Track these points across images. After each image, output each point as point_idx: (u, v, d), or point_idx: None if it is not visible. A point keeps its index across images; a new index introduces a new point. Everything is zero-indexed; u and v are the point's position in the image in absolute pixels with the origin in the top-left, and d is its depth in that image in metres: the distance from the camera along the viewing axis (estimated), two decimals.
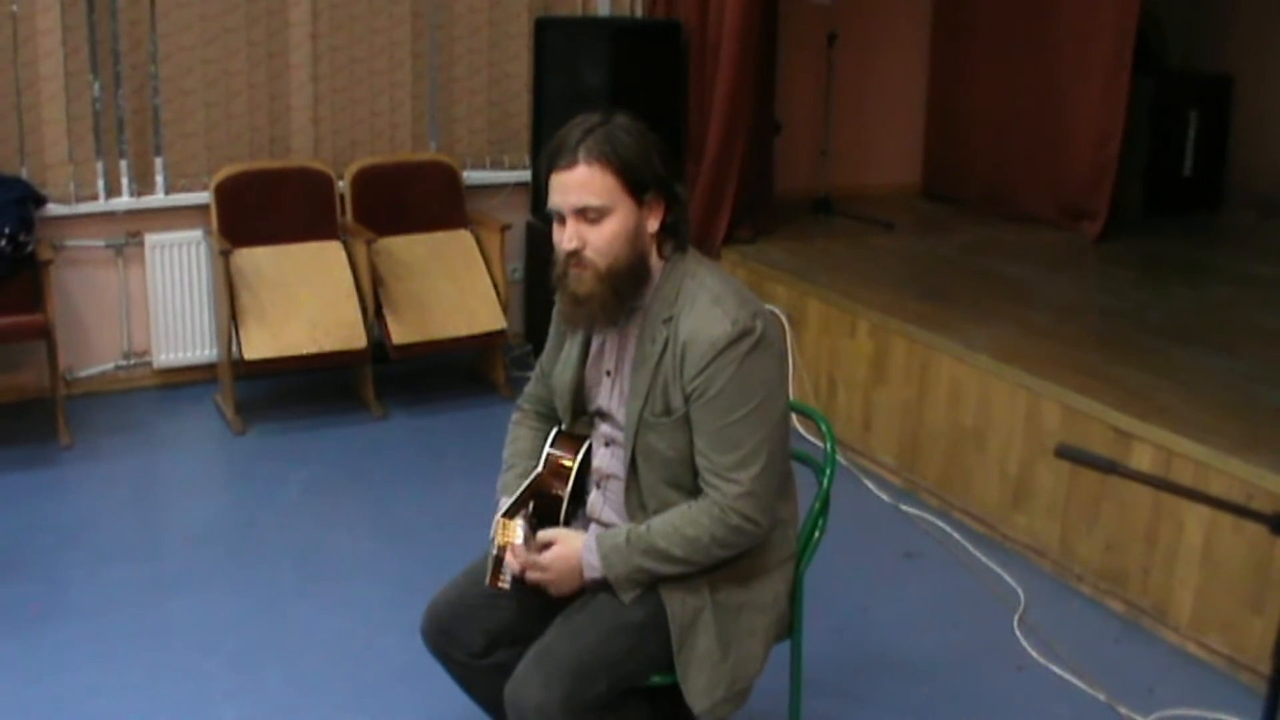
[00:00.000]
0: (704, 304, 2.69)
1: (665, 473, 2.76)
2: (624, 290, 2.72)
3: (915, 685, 3.94)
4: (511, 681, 2.69)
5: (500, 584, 2.84)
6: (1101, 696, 3.86)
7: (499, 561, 2.83)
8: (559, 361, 2.97)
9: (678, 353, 2.68)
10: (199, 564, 4.61)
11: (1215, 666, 4.03)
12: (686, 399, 2.69)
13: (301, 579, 4.50)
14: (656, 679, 2.83)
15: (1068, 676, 3.97)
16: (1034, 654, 4.10)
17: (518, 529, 2.82)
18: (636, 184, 2.68)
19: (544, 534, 2.83)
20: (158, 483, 5.42)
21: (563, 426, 3.01)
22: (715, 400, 2.66)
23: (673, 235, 2.78)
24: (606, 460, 2.90)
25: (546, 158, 2.71)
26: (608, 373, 2.87)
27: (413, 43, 6.47)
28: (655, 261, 2.77)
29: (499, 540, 2.83)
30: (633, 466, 2.79)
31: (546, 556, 2.79)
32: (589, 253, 2.67)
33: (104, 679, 3.85)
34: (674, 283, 2.74)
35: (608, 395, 2.87)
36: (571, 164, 2.66)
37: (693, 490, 2.75)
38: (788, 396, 2.81)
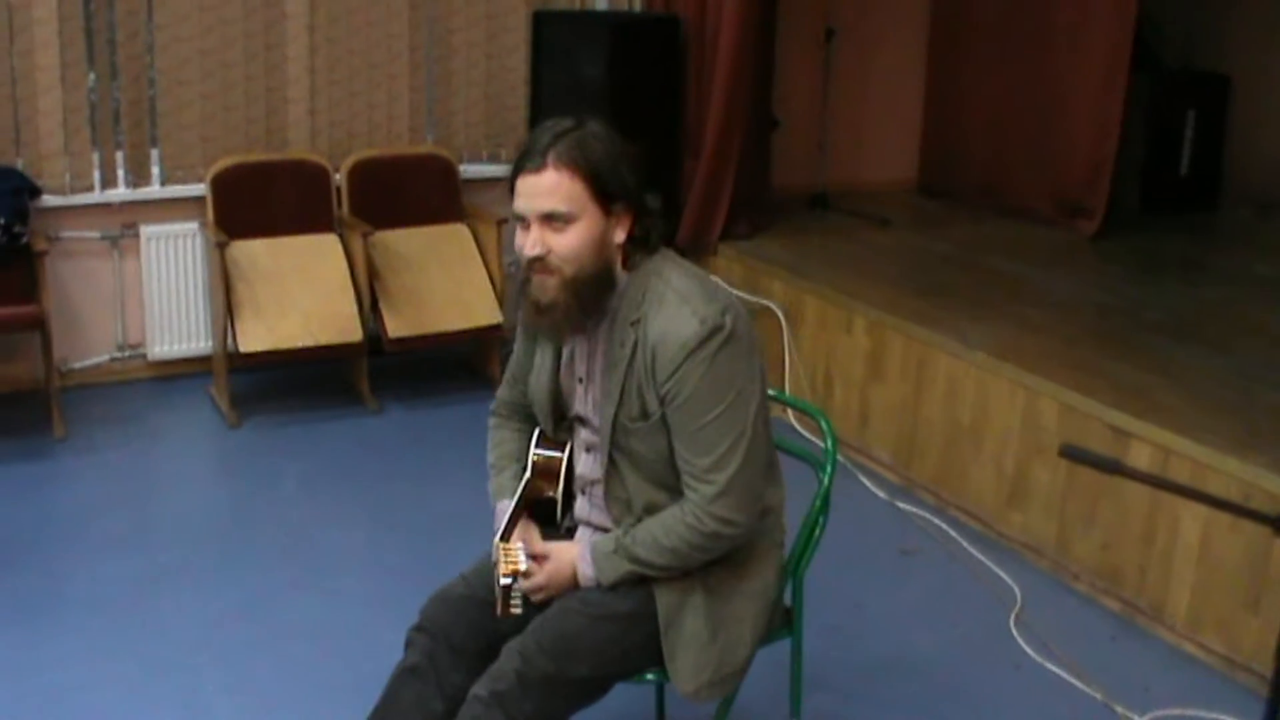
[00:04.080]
0: (672, 304, 2.65)
1: (648, 473, 2.75)
2: (587, 299, 2.67)
3: (911, 682, 3.94)
4: (497, 660, 2.69)
5: (512, 611, 2.78)
6: (1098, 695, 3.86)
7: (507, 591, 2.78)
8: (534, 369, 2.93)
9: (648, 355, 2.65)
10: (193, 557, 4.60)
11: (1211, 666, 4.03)
12: (661, 401, 2.66)
13: (295, 573, 4.49)
14: (650, 676, 2.83)
15: (1064, 675, 3.97)
16: (1030, 652, 4.10)
17: (519, 553, 2.81)
18: (605, 193, 2.63)
19: (538, 547, 2.83)
20: (152, 475, 5.41)
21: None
22: (688, 402, 2.63)
23: (641, 246, 2.73)
24: (589, 466, 2.88)
25: (515, 160, 2.66)
26: (580, 380, 2.84)
27: (410, 35, 6.45)
28: (621, 271, 2.73)
29: (504, 569, 2.78)
30: (612, 469, 2.77)
31: (541, 577, 2.80)
32: (553, 259, 2.62)
33: (97, 672, 3.84)
34: (639, 284, 2.70)
35: (583, 401, 2.84)
36: (540, 168, 2.61)
37: (678, 489, 2.73)
38: (763, 388, 2.76)
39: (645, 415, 2.69)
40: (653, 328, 2.65)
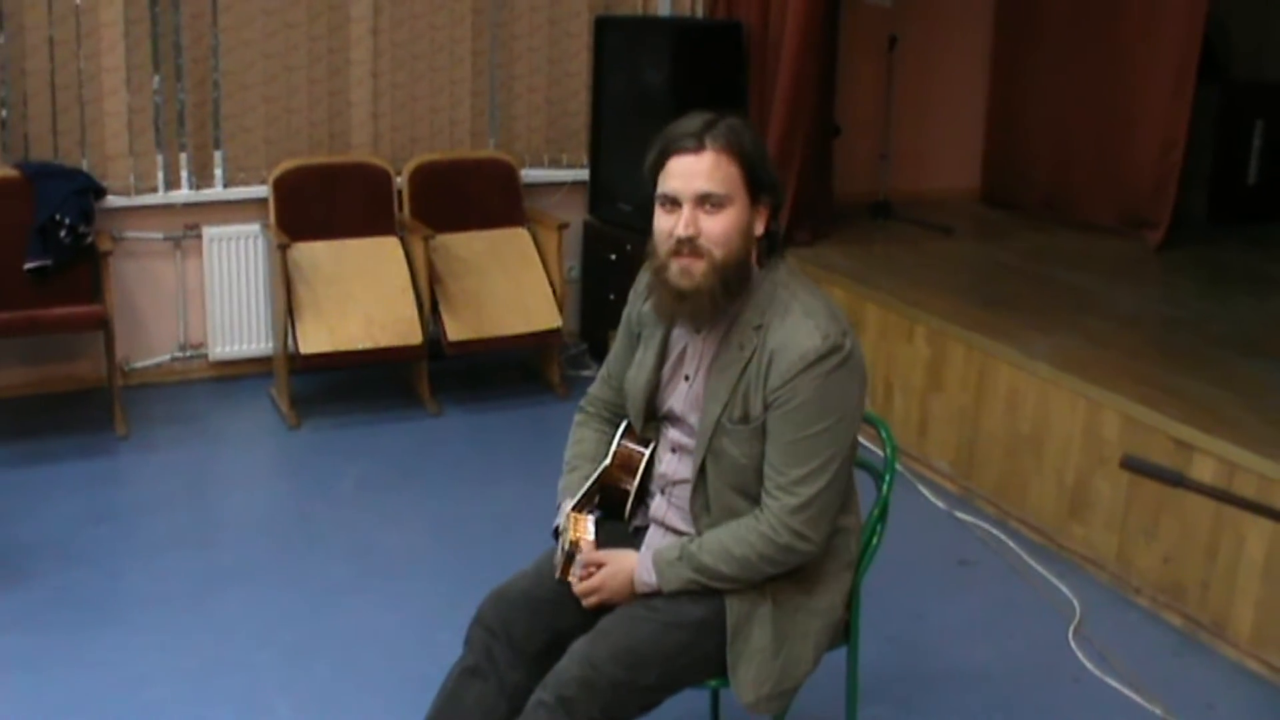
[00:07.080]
0: (796, 315, 2.67)
1: (734, 479, 2.74)
2: (731, 285, 2.68)
3: (969, 694, 3.90)
4: (561, 661, 2.68)
5: (571, 577, 2.83)
6: (1158, 711, 3.81)
7: (570, 556, 2.82)
8: (633, 365, 2.94)
9: (764, 361, 2.67)
10: (253, 556, 4.63)
11: (1276, 684, 3.97)
12: (766, 407, 2.67)
13: (355, 574, 4.51)
14: (713, 683, 2.82)
15: (1124, 690, 3.92)
16: (1089, 666, 4.05)
17: (588, 524, 2.84)
18: (756, 182, 2.68)
19: (594, 555, 2.82)
20: (212, 474, 5.45)
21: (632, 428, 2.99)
22: (795, 412, 2.64)
23: (770, 243, 2.76)
24: (674, 466, 2.88)
25: (663, 142, 2.68)
26: (686, 377, 2.84)
27: (473, 40, 6.48)
28: (755, 267, 2.75)
29: (571, 535, 2.82)
30: (701, 470, 2.77)
31: (596, 580, 2.80)
32: (703, 241, 2.64)
33: (157, 668, 3.87)
34: (768, 291, 2.72)
35: (682, 399, 2.84)
36: (698, 149, 2.63)
37: (758, 498, 2.73)
38: (862, 419, 2.79)
39: (746, 419, 2.70)
40: (774, 335, 2.67)
